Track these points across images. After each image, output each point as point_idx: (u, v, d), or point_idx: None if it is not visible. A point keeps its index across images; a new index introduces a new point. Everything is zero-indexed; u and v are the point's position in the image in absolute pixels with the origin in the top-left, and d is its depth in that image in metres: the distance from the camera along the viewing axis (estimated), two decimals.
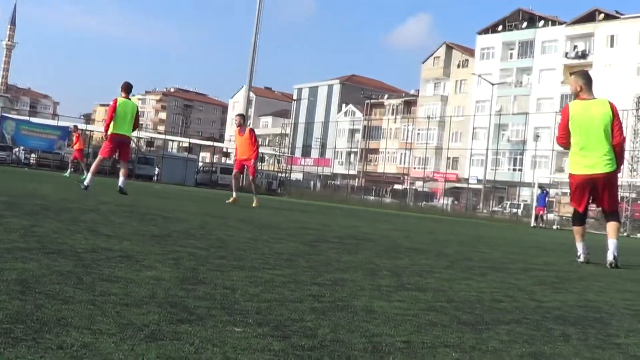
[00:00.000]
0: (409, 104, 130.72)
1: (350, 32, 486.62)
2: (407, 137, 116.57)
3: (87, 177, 19.74)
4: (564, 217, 53.63)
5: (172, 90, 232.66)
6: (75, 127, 44.99)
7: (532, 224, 49.93)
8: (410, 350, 3.07)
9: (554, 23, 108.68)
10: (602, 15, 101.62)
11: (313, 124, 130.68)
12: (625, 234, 50.60)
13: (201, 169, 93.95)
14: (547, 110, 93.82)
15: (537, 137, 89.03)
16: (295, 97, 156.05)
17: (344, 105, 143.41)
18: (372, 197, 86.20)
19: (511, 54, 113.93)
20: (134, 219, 9.71)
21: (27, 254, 4.77)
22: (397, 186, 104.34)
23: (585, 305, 5.41)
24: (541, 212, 50.38)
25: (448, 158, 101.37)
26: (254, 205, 21.59)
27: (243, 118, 23.50)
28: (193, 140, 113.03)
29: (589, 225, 50.92)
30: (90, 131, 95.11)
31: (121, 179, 19.36)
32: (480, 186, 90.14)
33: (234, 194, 22.84)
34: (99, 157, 19.64)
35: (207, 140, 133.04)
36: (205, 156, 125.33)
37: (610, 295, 6.34)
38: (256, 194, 23.04)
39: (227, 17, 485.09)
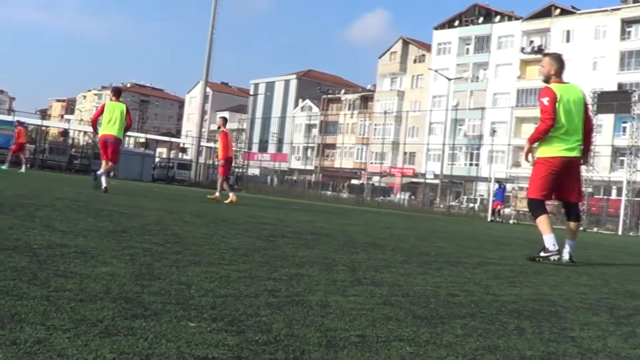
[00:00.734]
0: (366, 99, 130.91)
1: (308, 27, 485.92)
2: (364, 132, 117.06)
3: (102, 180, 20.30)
4: (520, 212, 53.87)
5: (128, 85, 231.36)
6: (18, 121, 45.89)
7: (489, 218, 50.20)
8: (364, 344, 3.08)
9: (510, 18, 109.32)
10: (558, 11, 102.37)
11: (270, 119, 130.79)
12: (581, 228, 51.02)
13: (158, 164, 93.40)
14: (504, 105, 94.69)
15: (493, 132, 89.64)
16: (252, 92, 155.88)
17: (300, 100, 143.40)
18: (329, 192, 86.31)
19: (467, 49, 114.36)
20: (90, 214, 9.66)
21: None
22: (354, 181, 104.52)
23: (540, 299, 5.45)
24: (498, 207, 50.61)
25: (405, 153, 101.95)
26: (226, 201, 22.70)
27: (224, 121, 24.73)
28: (150, 136, 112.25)
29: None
30: (47, 127, 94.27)
31: (101, 170, 20.33)
32: (437, 181, 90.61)
33: (231, 194, 23.63)
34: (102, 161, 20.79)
35: (164, 135, 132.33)
36: (162, 152, 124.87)
37: (565, 289, 6.38)
38: (219, 190, 24.02)
39: (184, 12, 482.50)
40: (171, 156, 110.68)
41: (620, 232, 45.66)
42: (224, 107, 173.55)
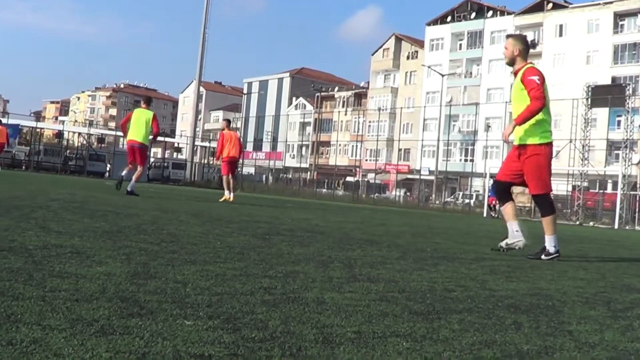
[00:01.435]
0: (360, 96, 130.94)
1: (300, 25, 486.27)
2: (358, 129, 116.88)
3: (131, 183, 21.25)
4: (517, 207, 53.83)
5: (122, 86, 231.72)
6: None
7: (491, 213, 50.17)
8: (361, 340, 3.08)
9: (502, 13, 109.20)
10: (550, 5, 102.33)
11: (264, 118, 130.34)
12: (577, 222, 51.14)
13: (153, 164, 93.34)
14: (497, 100, 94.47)
15: (488, 127, 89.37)
16: (245, 91, 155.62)
17: (294, 98, 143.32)
18: (324, 190, 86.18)
19: (460, 45, 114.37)
20: (85, 215, 9.67)
21: None
22: (349, 178, 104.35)
23: (537, 293, 5.45)
24: (494, 202, 50.54)
25: (399, 150, 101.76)
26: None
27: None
28: None
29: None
30: (41, 129, 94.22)
31: (132, 182, 21.14)
32: (432, 177, 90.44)
33: (227, 192, 24.22)
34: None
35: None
36: (156, 152, 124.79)
37: (562, 283, 6.38)
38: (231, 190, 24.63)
39: (176, 12, 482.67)
40: (166, 156, 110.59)
41: (616, 226, 45.79)
42: (218, 106, 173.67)
